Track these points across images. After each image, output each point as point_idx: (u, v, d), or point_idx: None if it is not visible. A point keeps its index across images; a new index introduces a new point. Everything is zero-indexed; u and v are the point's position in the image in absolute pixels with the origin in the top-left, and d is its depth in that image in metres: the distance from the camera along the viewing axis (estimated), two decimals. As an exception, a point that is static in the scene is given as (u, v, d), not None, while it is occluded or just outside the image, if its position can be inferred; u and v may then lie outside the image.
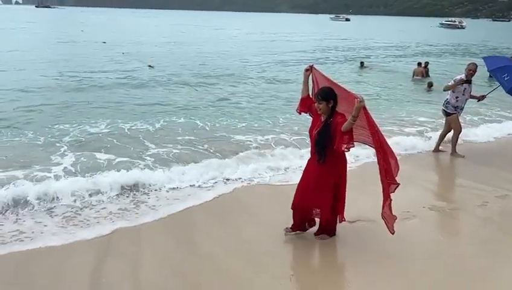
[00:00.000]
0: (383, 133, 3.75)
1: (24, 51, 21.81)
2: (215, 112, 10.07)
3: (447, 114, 7.03)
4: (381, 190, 3.72)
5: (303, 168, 4.13)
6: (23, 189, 4.96)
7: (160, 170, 5.97)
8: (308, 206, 4.05)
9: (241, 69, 17.84)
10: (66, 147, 6.96)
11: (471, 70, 6.71)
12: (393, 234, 3.80)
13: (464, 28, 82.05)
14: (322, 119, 3.74)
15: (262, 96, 12.37)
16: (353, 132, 3.64)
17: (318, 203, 3.99)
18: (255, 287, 3.55)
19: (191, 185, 5.51)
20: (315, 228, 4.24)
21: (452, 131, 7.10)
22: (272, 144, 7.46)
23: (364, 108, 3.51)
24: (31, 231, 4.33)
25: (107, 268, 3.76)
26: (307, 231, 4.24)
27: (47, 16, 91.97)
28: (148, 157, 6.58)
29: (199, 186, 5.54)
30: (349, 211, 4.40)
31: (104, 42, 27.88)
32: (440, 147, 7.29)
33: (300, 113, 4.17)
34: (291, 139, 7.68)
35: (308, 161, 4.01)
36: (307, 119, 4.07)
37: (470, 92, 6.90)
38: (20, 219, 4.57)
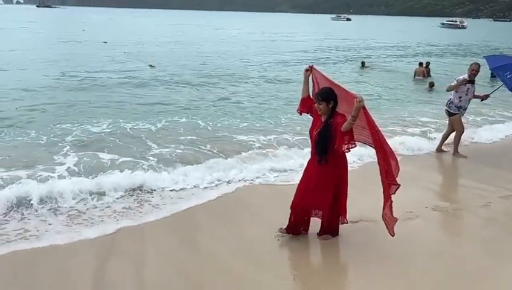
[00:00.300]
0: (383, 134, 3.75)
1: (25, 50, 21.84)
2: (216, 112, 10.08)
3: (449, 114, 7.03)
4: (382, 190, 3.71)
5: None
6: (28, 188, 4.97)
7: (164, 170, 5.98)
8: (308, 207, 4.04)
9: (242, 69, 17.84)
10: (68, 147, 6.97)
11: (474, 70, 6.71)
12: (393, 236, 3.79)
13: (465, 28, 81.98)
14: (322, 119, 3.75)
15: (264, 96, 12.38)
16: (354, 132, 3.64)
17: (319, 204, 3.99)
18: (258, 287, 3.55)
19: (194, 186, 5.52)
20: (315, 229, 4.23)
21: (455, 131, 7.09)
22: (274, 144, 7.47)
23: (364, 108, 3.51)
24: (36, 229, 4.36)
25: (110, 267, 3.77)
26: (299, 235, 4.23)
27: (48, 15, 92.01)
28: (151, 158, 6.58)
29: (203, 186, 5.54)
30: (351, 211, 4.41)
31: (105, 42, 27.89)
32: (443, 147, 7.29)
33: (301, 114, 4.17)
34: (294, 139, 7.68)
35: (309, 161, 4.01)
36: (308, 119, 4.08)
37: (473, 92, 6.89)
38: (25, 217, 4.59)
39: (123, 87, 12.86)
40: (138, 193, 5.26)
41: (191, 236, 4.34)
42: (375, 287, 3.56)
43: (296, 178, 4.82)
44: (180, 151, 6.96)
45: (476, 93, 6.97)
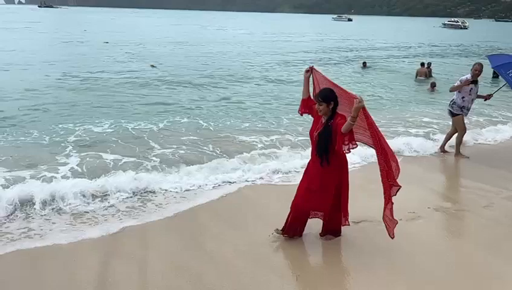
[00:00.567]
0: (386, 134, 3.74)
1: (27, 50, 21.88)
2: (218, 112, 10.09)
3: (452, 114, 7.03)
4: (383, 192, 3.70)
5: None
6: (32, 188, 5.00)
7: (167, 171, 6.01)
8: (310, 208, 4.02)
9: (243, 69, 17.86)
10: (71, 147, 7.00)
11: (477, 71, 6.71)
12: (392, 238, 3.78)
13: (466, 29, 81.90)
14: (323, 120, 3.74)
15: (265, 96, 12.39)
16: (355, 133, 3.63)
17: (321, 205, 3.98)
18: (262, 287, 3.56)
19: (199, 187, 5.52)
20: (318, 230, 4.23)
21: (464, 129, 7.08)
22: (277, 144, 7.47)
23: (364, 108, 3.49)
24: (40, 229, 4.40)
25: (113, 267, 3.79)
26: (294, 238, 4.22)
27: (50, 15, 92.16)
28: (154, 158, 6.60)
29: (206, 186, 5.55)
30: (354, 211, 4.41)
31: (107, 42, 27.93)
32: (446, 148, 7.29)
33: (302, 115, 4.17)
34: (296, 139, 7.69)
35: (309, 162, 4.00)
36: (310, 119, 4.09)
37: (477, 92, 6.89)
38: (29, 216, 4.63)
39: (124, 88, 12.88)
40: (142, 193, 5.29)
41: (194, 236, 4.36)
42: (378, 287, 3.56)
43: (299, 179, 4.83)
44: (183, 151, 6.98)
45: (478, 93, 6.96)
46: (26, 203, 4.82)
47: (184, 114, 9.69)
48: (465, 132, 7.13)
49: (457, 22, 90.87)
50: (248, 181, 5.77)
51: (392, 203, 3.69)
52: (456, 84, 6.89)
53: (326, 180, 3.83)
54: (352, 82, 15.68)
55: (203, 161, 6.47)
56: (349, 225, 4.20)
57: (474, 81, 6.76)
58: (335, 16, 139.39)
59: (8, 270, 3.74)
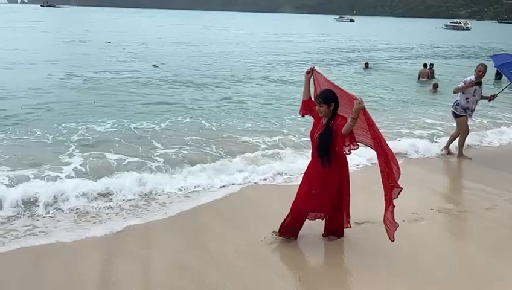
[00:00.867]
0: (389, 136, 3.74)
1: (30, 50, 21.93)
2: (220, 112, 10.10)
3: (456, 116, 7.01)
4: (384, 194, 3.69)
5: None
6: (36, 187, 5.04)
7: (171, 171, 6.03)
8: (310, 211, 4.01)
9: (245, 70, 17.87)
10: (74, 147, 7.03)
11: (481, 72, 6.70)
12: (392, 241, 3.77)
13: (469, 30, 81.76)
14: (324, 122, 3.74)
15: (267, 96, 12.40)
16: (356, 134, 3.63)
17: (322, 207, 3.98)
18: (264, 287, 3.57)
19: (203, 188, 5.52)
20: (321, 230, 4.23)
21: (467, 131, 7.07)
22: (280, 145, 7.48)
23: (364, 109, 3.49)
24: (45, 226, 4.44)
25: (116, 265, 3.81)
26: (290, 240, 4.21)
27: (52, 15, 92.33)
28: (157, 158, 6.61)
29: (209, 186, 5.56)
30: (357, 212, 4.42)
31: (109, 42, 27.97)
32: (450, 149, 7.29)
33: (303, 116, 4.16)
34: (299, 140, 7.68)
35: (309, 163, 4.00)
36: (312, 120, 4.10)
37: (481, 93, 6.87)
38: (34, 214, 4.66)
39: (127, 87, 12.90)
40: (146, 193, 5.30)
41: (197, 235, 4.37)
42: (380, 288, 3.56)
43: (302, 180, 4.83)
44: (186, 152, 6.98)
45: (482, 94, 6.95)
46: (31, 202, 4.84)
47: (186, 114, 9.70)
48: (467, 134, 7.12)
49: (460, 23, 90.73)
50: (252, 181, 5.77)
51: (394, 206, 3.68)
52: (459, 86, 6.87)
53: (327, 181, 3.83)
54: (354, 83, 15.67)
55: (206, 161, 6.47)
56: (350, 227, 4.21)
57: (478, 83, 6.75)
58: (337, 17, 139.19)
59: (12, 267, 3.76)
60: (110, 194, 5.14)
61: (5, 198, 4.76)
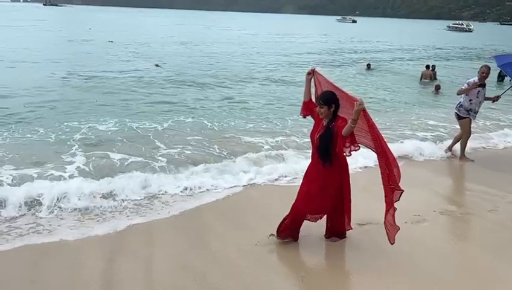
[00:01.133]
0: (391, 137, 3.74)
1: (32, 48, 21.98)
2: (222, 112, 10.11)
3: (459, 117, 7.00)
4: (384, 196, 3.68)
5: None
6: (40, 186, 5.06)
7: (174, 171, 6.04)
8: (310, 212, 4.00)
9: (247, 70, 17.88)
10: (77, 146, 7.04)
11: (484, 73, 6.68)
12: (392, 244, 3.76)
13: (471, 31, 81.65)
14: (324, 123, 3.74)
15: (269, 97, 12.41)
16: (356, 136, 3.63)
17: (322, 208, 3.98)
18: (267, 287, 3.57)
19: (207, 189, 5.51)
20: (322, 231, 4.22)
21: (469, 133, 7.06)
22: (283, 145, 7.46)
23: (365, 111, 3.49)
24: (49, 224, 4.47)
25: (119, 264, 3.82)
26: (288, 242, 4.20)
27: (55, 14, 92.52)
28: (160, 158, 6.61)
29: (214, 187, 5.55)
30: (359, 213, 4.43)
31: (111, 41, 28.01)
32: (453, 150, 7.28)
33: (305, 117, 4.15)
34: (302, 141, 7.67)
35: (309, 165, 3.99)
36: (313, 121, 4.10)
37: (484, 95, 6.86)
38: (38, 212, 4.68)
39: (129, 86, 12.92)
40: (149, 192, 5.31)
41: (200, 235, 4.38)
42: (382, 289, 3.56)
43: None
44: (189, 152, 6.97)
45: (486, 95, 6.93)
46: (35, 201, 4.86)
47: (188, 114, 9.71)
48: (469, 136, 7.11)
49: (462, 24, 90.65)
50: (255, 182, 5.76)
51: (395, 209, 3.67)
52: (463, 87, 6.86)
53: (327, 182, 3.82)
54: (356, 84, 15.66)
55: (209, 161, 6.47)
56: (351, 229, 4.21)
57: (482, 84, 6.74)
58: (339, 17, 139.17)
59: (15, 265, 3.77)
60: (114, 194, 5.15)
61: (10, 197, 4.78)
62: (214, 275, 3.69)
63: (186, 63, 19.29)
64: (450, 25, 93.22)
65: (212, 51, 25.06)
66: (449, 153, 7.26)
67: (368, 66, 19.64)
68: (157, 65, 17.70)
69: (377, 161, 3.68)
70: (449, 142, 7.51)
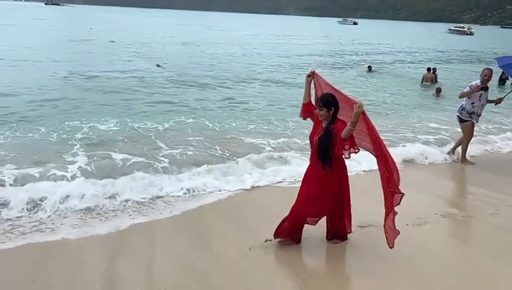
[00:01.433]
0: (391, 141, 3.73)
1: (34, 47, 21.99)
2: (223, 113, 10.11)
3: (461, 120, 7.00)
4: (383, 199, 3.67)
5: None
6: (42, 186, 5.10)
7: (177, 172, 6.04)
8: (310, 215, 4.00)
9: (248, 71, 17.89)
10: (79, 145, 7.03)
11: (487, 76, 6.68)
12: (391, 248, 3.75)
13: (472, 35, 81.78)
14: (323, 125, 3.74)
15: (270, 98, 12.41)
16: (356, 138, 3.63)
17: (321, 210, 3.98)
18: (268, 289, 3.56)
19: (210, 192, 5.50)
20: (319, 234, 4.22)
21: (470, 137, 7.06)
22: (285, 147, 7.44)
23: (364, 114, 3.48)
24: (52, 222, 4.49)
25: (120, 264, 3.82)
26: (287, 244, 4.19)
27: (56, 13, 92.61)
28: (162, 158, 6.60)
29: (216, 188, 5.55)
30: (361, 215, 4.43)
31: (112, 41, 28.04)
32: (455, 152, 7.29)
33: (304, 118, 4.16)
34: (304, 143, 7.66)
35: (308, 167, 3.98)
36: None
37: (486, 98, 6.86)
38: (41, 211, 4.68)
39: (130, 86, 12.92)
40: (151, 192, 5.30)
41: (201, 235, 4.39)
42: (385, 292, 3.56)
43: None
44: (191, 152, 6.96)
45: (488, 98, 6.93)
46: (38, 200, 4.86)
47: (189, 114, 9.72)
48: (470, 139, 7.11)
49: (463, 27, 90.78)
50: (258, 183, 5.75)
51: (395, 213, 3.65)
52: (465, 90, 6.85)
53: (326, 184, 3.82)
54: (357, 86, 15.67)
55: (212, 162, 6.47)
56: (351, 232, 4.22)
57: (485, 87, 6.74)
58: (340, 19, 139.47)
59: (16, 264, 3.78)
60: (117, 194, 5.15)
61: (13, 197, 4.79)
62: (215, 275, 3.69)
63: (187, 63, 19.31)
64: (452, 27, 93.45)
65: (213, 52, 25.08)
66: (454, 157, 7.25)
67: (369, 68, 19.66)
68: (158, 65, 17.71)
69: (377, 165, 3.67)
70: (452, 145, 7.51)
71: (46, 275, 3.63)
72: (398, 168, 3.68)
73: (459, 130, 7.34)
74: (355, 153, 3.64)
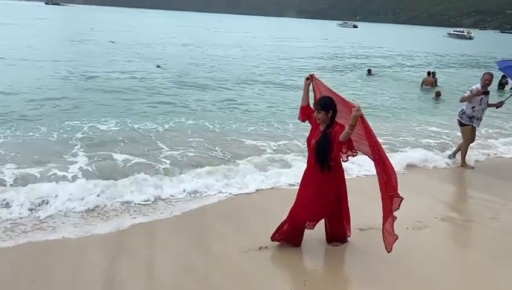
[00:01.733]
0: (390, 144, 3.73)
1: (34, 47, 21.96)
2: (223, 114, 10.12)
3: (461, 124, 7.02)
4: (381, 203, 3.67)
5: None
6: (43, 188, 5.08)
7: (178, 173, 6.05)
8: (308, 219, 3.99)
9: (248, 72, 17.91)
10: (79, 145, 7.04)
11: (487, 80, 6.70)
12: (389, 252, 3.74)
13: (472, 39, 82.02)
14: (321, 128, 3.74)
15: (270, 100, 12.42)
16: (354, 142, 3.63)
17: (320, 213, 3.98)
18: (269, 290, 3.56)
19: (209, 190, 5.51)
20: (320, 236, 4.22)
21: (470, 141, 7.08)
22: (286, 150, 7.44)
23: (362, 117, 3.49)
24: (53, 221, 4.50)
25: (122, 264, 3.82)
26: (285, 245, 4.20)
27: (57, 13, 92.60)
28: (163, 159, 6.60)
29: (218, 191, 5.55)
30: (361, 218, 4.44)
31: (113, 41, 28.04)
32: (456, 154, 7.32)
33: (303, 121, 4.17)
34: (304, 145, 7.64)
35: (305, 170, 3.98)
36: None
37: (487, 102, 6.88)
38: (42, 210, 4.69)
39: (130, 87, 12.92)
40: (153, 193, 5.29)
41: (202, 236, 4.39)
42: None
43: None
44: (192, 154, 6.95)
45: (489, 101, 6.95)
46: (39, 200, 4.86)
47: (189, 115, 9.72)
48: (470, 143, 7.12)
49: (463, 32, 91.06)
50: (259, 185, 5.74)
51: (394, 218, 3.63)
52: (466, 95, 6.86)
53: (324, 187, 3.82)
54: (357, 89, 15.69)
55: (213, 164, 6.47)
56: (350, 235, 4.23)
57: (486, 92, 6.75)
58: (340, 22, 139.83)
59: (17, 262, 3.77)
60: (118, 194, 5.15)
61: (15, 197, 4.79)
62: (216, 277, 3.69)
63: (187, 64, 19.33)
64: (451, 32, 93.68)
65: (213, 53, 25.11)
66: (456, 161, 7.26)
67: (369, 71, 19.70)
68: (158, 66, 17.72)
69: (375, 169, 3.66)
70: (453, 149, 7.53)
71: (46, 275, 3.62)
72: (399, 173, 3.68)
73: (460, 134, 7.36)
74: (353, 156, 3.64)
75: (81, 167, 6.07)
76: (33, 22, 47.34)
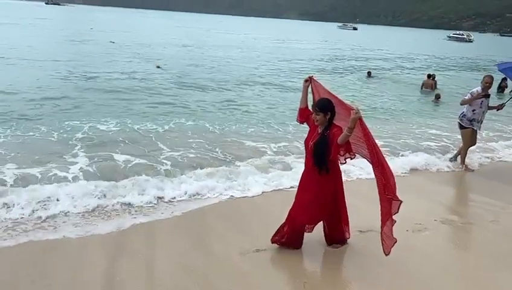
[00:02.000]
0: (393, 145, 3.74)
1: (34, 47, 21.96)
2: (223, 115, 10.12)
3: (461, 127, 7.03)
4: (380, 206, 3.66)
5: None
6: (44, 188, 5.10)
7: (179, 174, 6.05)
8: (307, 221, 3.99)
9: (248, 74, 17.92)
10: (79, 145, 7.02)
11: (488, 83, 6.71)
12: (387, 255, 3.73)
13: (471, 42, 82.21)
14: (319, 130, 3.74)
15: (270, 101, 12.42)
16: (352, 144, 3.64)
17: (318, 216, 3.98)
18: (269, 292, 3.56)
19: (210, 192, 5.51)
20: (319, 238, 4.22)
21: (470, 144, 7.09)
22: (286, 152, 7.42)
23: (361, 120, 3.49)
24: (54, 221, 4.51)
25: (122, 264, 3.82)
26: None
27: (57, 13, 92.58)
28: (164, 160, 6.59)
29: (217, 192, 5.54)
30: (361, 220, 4.44)
31: (113, 42, 28.04)
32: (457, 157, 7.33)
33: (302, 123, 4.17)
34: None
35: (303, 172, 3.98)
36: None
37: (487, 105, 6.89)
38: (43, 210, 4.69)
39: (130, 87, 12.91)
40: (154, 193, 5.29)
41: (202, 237, 4.39)
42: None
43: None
44: (192, 155, 6.94)
45: (489, 104, 6.95)
46: (40, 200, 4.86)
47: (189, 116, 9.72)
48: (470, 146, 7.13)
49: (463, 35, 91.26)
50: (259, 187, 5.73)
51: (393, 222, 3.62)
52: (466, 98, 6.87)
53: (323, 189, 3.83)
54: (356, 91, 15.70)
55: (213, 165, 6.46)
56: (349, 237, 4.23)
57: (487, 95, 6.77)
58: (340, 24, 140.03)
59: (17, 263, 3.76)
60: (119, 194, 5.15)
61: (16, 197, 4.80)
62: (216, 277, 3.69)
63: (187, 65, 19.34)
64: (451, 34, 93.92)
65: (213, 54, 25.13)
66: (454, 162, 7.28)
67: (369, 73, 19.72)
68: (158, 66, 17.73)
69: (373, 172, 3.66)
70: (454, 152, 7.55)
71: (46, 275, 3.62)
72: (400, 176, 3.69)
73: (460, 137, 7.37)
74: (351, 158, 3.65)
75: (81, 168, 6.06)
76: (33, 22, 47.32)
